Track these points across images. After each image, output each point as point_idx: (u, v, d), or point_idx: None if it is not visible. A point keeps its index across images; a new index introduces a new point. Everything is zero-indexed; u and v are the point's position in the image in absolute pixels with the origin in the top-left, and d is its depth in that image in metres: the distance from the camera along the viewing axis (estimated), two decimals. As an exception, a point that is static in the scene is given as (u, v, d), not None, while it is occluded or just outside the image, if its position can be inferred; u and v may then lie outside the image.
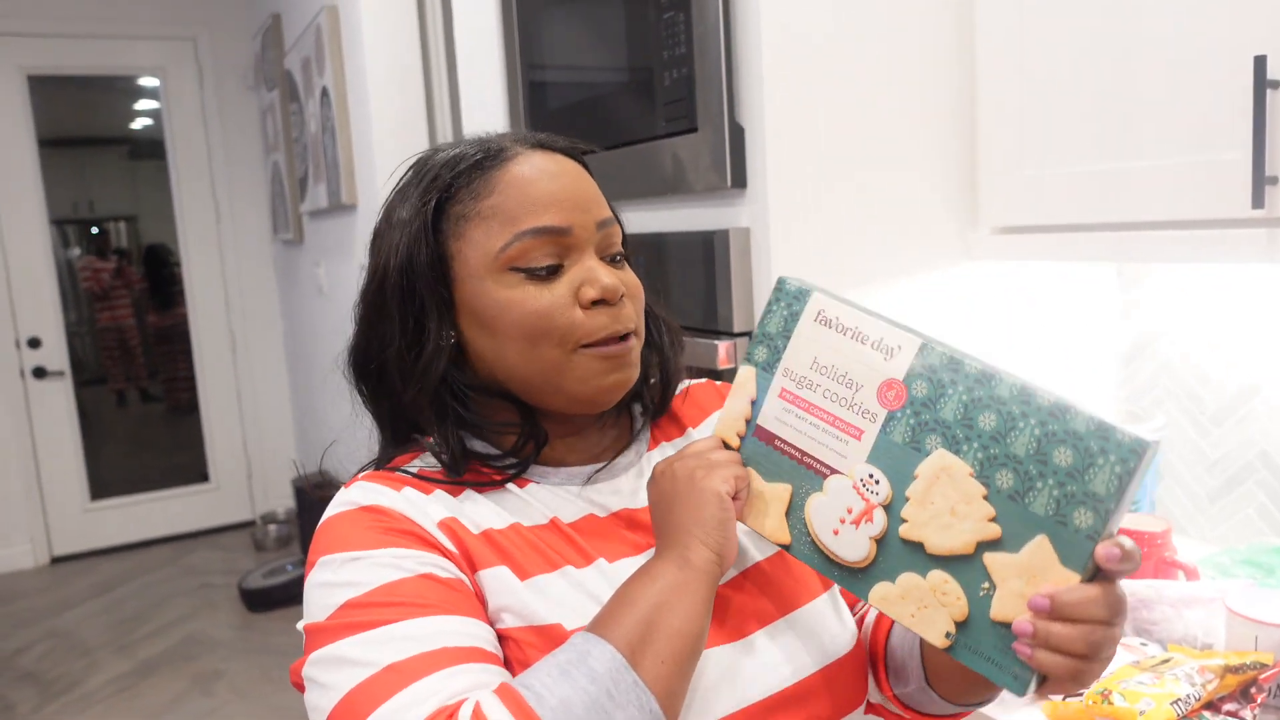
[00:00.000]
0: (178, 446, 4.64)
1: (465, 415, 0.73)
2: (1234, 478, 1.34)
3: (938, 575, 0.61)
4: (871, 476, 0.64)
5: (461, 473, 0.73)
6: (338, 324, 3.34)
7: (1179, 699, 0.89)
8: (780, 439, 0.68)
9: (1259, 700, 0.92)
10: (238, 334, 4.58)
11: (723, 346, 1.24)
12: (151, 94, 4.45)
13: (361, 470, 0.77)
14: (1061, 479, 0.56)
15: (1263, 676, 0.93)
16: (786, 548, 0.68)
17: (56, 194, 4.25)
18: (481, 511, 0.72)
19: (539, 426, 0.75)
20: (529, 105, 1.72)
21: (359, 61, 2.68)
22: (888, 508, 0.63)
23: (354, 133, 2.83)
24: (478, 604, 0.66)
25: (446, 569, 0.66)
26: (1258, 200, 0.94)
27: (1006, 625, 0.58)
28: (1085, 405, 0.57)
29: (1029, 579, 0.57)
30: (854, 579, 0.65)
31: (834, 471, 0.65)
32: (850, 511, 0.65)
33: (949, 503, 0.60)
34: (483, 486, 0.73)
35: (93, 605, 3.78)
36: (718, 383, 0.93)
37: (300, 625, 0.69)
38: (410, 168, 0.78)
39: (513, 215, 0.70)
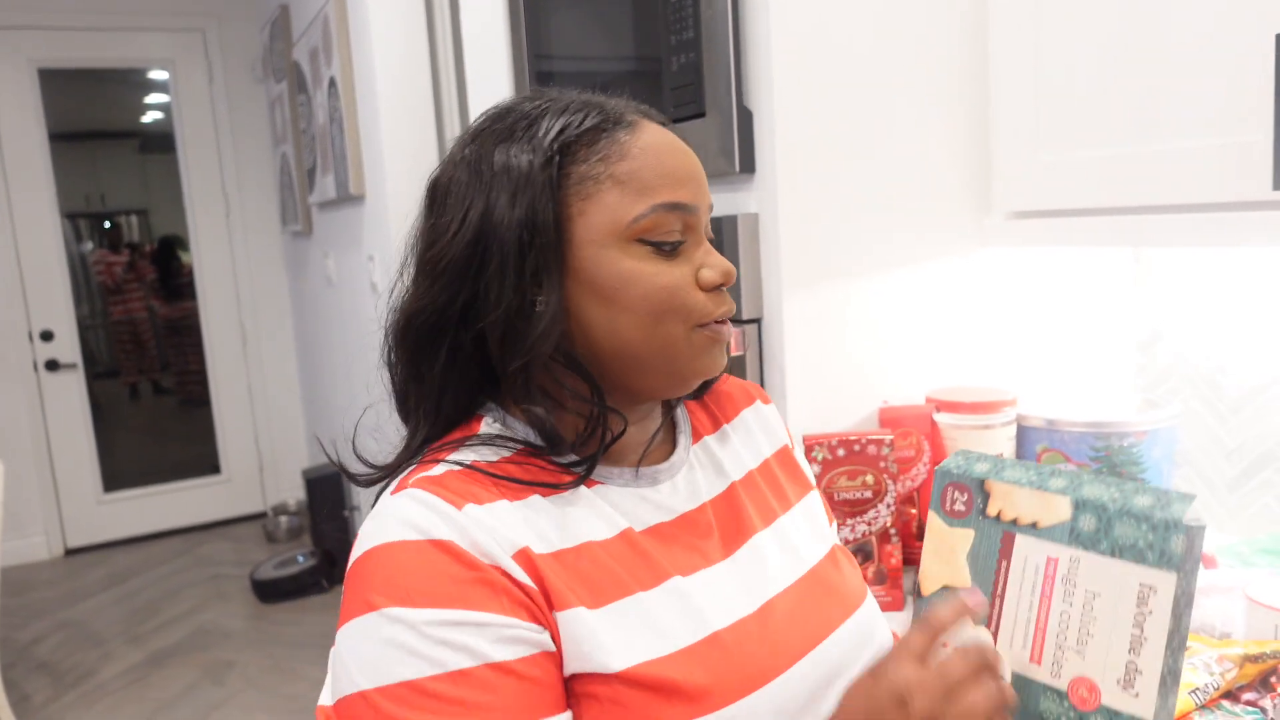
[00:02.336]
0: (190, 439, 4.66)
1: (549, 391, 0.68)
2: (1252, 466, 1.32)
3: None
4: None
5: (561, 453, 0.69)
6: (347, 315, 3.34)
7: (1197, 688, 0.88)
8: None
9: (1279, 689, 0.90)
10: (248, 326, 4.59)
11: (732, 334, 1.22)
12: (161, 87, 4.45)
13: (404, 464, 0.70)
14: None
15: (1283, 666, 0.91)
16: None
17: (68, 188, 4.26)
18: (549, 524, 0.66)
19: (616, 410, 0.70)
20: (536, 93, 1.71)
21: (366, 52, 2.67)
22: None
23: (361, 123, 2.82)
24: (554, 696, 0.61)
25: (527, 642, 0.60)
26: (1279, 181, 0.92)
27: None
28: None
29: None
30: None
31: None
32: None
33: None
34: (550, 489, 0.67)
35: (106, 596, 3.80)
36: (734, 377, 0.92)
37: (336, 672, 0.61)
38: (491, 116, 0.72)
39: (649, 185, 0.67)
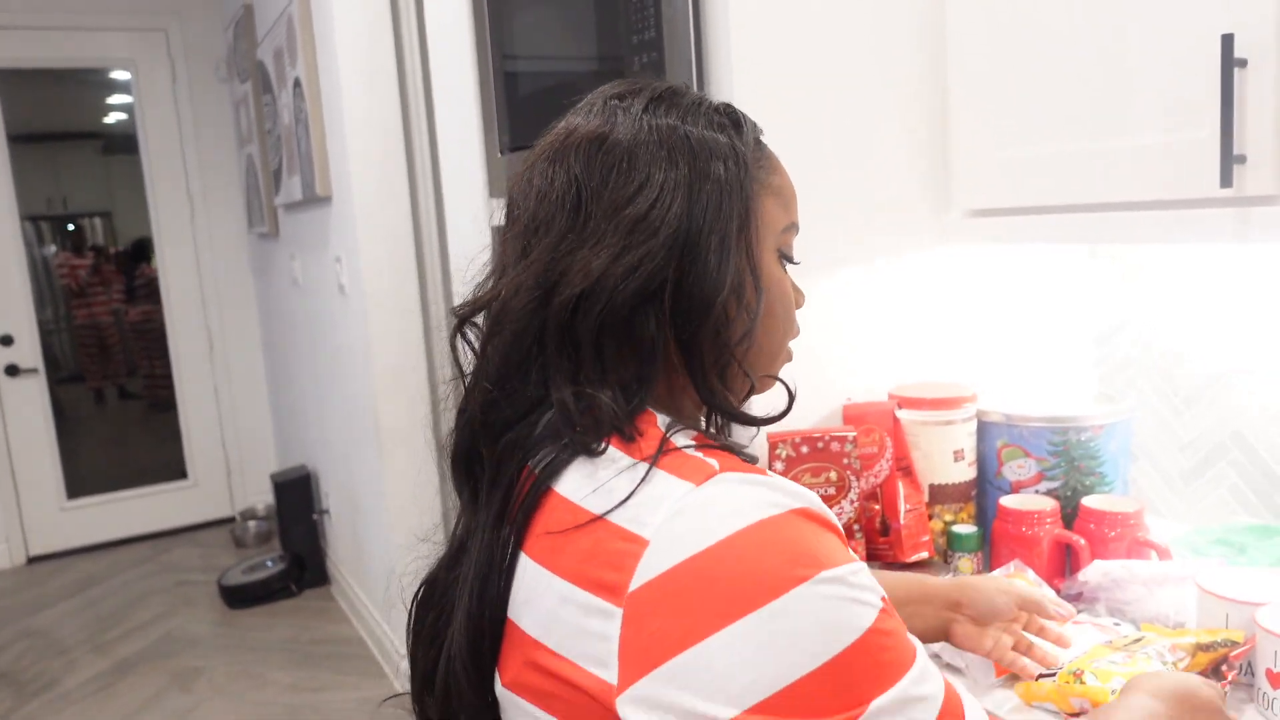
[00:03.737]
0: (156, 443, 4.59)
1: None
2: (1207, 458, 1.34)
3: None
4: None
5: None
6: (314, 317, 3.32)
7: (1150, 677, 0.89)
8: None
9: (1229, 677, 0.92)
10: (214, 329, 4.54)
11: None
12: (124, 88, 4.39)
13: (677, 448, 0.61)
14: None
15: (1233, 654, 0.93)
16: None
17: (30, 190, 4.19)
18: None
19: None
20: (501, 93, 1.71)
21: (331, 51, 2.65)
22: None
23: (327, 124, 2.80)
24: None
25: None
26: (1226, 179, 0.94)
27: None
28: None
29: None
30: None
31: None
32: None
33: None
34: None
35: (70, 604, 3.74)
36: None
37: (766, 667, 0.53)
38: (655, 91, 0.68)
39: (788, 202, 0.71)
